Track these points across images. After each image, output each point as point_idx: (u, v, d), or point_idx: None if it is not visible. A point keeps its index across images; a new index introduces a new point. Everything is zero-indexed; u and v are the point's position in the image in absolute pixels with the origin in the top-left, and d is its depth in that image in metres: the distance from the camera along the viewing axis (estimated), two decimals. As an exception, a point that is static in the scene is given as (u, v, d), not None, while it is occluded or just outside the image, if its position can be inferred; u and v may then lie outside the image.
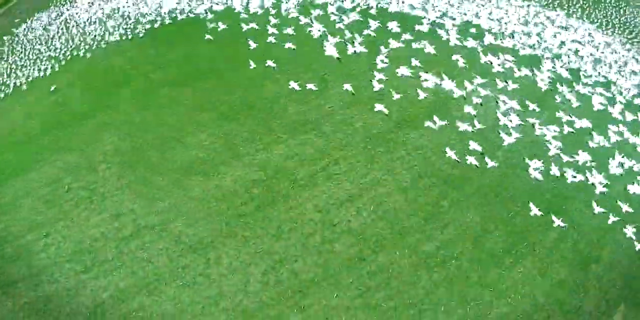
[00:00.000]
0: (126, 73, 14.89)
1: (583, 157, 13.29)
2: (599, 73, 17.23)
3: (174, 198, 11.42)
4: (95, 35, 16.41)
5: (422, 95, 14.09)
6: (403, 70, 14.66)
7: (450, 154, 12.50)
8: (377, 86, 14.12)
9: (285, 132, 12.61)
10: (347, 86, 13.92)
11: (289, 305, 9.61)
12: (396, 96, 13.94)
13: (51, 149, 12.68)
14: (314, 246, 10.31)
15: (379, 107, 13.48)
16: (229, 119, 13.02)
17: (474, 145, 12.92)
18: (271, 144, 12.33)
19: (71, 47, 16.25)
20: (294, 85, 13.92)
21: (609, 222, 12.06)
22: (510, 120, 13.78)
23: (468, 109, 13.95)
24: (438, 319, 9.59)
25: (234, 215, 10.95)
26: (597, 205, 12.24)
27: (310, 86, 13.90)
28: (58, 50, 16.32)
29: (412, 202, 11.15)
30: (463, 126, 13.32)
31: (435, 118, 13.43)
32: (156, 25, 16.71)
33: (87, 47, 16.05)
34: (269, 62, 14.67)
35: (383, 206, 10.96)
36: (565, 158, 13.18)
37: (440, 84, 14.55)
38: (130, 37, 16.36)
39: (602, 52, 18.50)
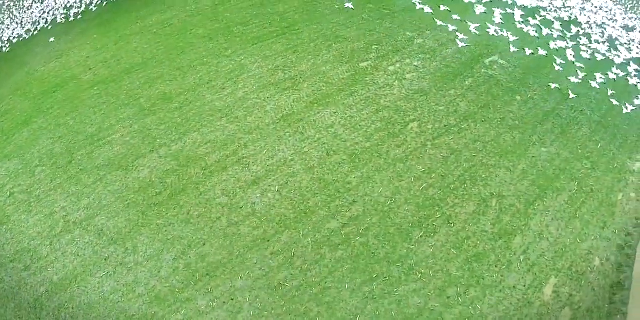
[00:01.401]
0: (61, 77, 15.42)
1: None
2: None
3: (98, 193, 11.95)
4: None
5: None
6: None
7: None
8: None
9: (200, 120, 12.78)
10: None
11: (198, 288, 9.99)
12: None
13: (-5, 159, 13.54)
14: (221, 229, 10.57)
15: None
16: (149, 113, 13.31)
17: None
18: (186, 133, 12.55)
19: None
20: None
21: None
22: None
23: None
24: (342, 296, 9.55)
25: (149, 205, 11.36)
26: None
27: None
28: None
29: (318, 181, 11.11)
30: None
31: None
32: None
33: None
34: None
35: (288, 186, 10.99)
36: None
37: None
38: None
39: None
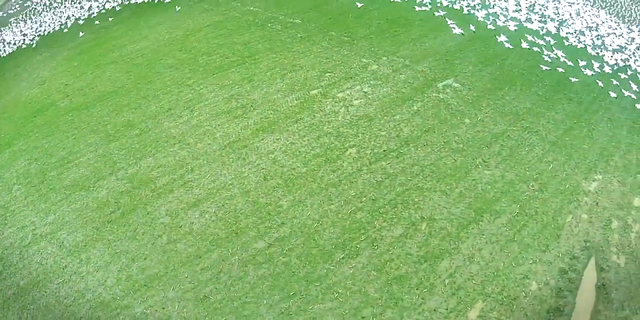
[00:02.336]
0: (42, 102, 17.21)
1: None
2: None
3: (62, 211, 13.52)
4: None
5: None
6: None
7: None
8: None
9: (156, 146, 14.29)
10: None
11: (136, 297, 11.35)
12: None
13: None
14: (161, 246, 11.97)
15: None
16: (113, 139, 14.90)
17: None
18: (142, 158, 14.06)
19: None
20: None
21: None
22: None
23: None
24: (259, 311, 10.41)
25: (103, 222, 12.85)
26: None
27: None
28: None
29: (253, 204, 12.42)
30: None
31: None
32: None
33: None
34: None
35: (224, 208, 12.34)
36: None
37: None
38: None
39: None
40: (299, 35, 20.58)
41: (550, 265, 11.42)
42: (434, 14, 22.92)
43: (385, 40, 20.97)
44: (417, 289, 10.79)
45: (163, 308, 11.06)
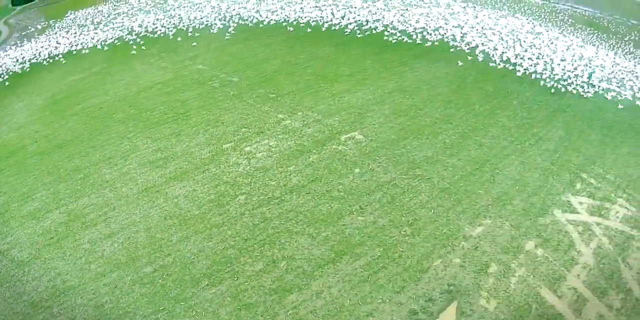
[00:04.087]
0: (15, 145, 22.11)
1: None
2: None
3: (17, 234, 17.48)
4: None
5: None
6: None
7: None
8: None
9: (92, 188, 18.89)
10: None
11: (55, 301, 15.53)
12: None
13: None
14: (79, 265, 16.06)
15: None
16: (62, 181, 19.60)
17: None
18: (80, 197, 18.49)
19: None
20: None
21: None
22: None
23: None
24: (136, 318, 13.61)
25: (44, 244, 17.03)
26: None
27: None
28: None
29: (151, 238, 16.62)
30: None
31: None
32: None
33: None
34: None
35: (130, 240, 16.68)
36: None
37: None
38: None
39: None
40: (232, 93, 25.19)
41: (400, 305, 11.93)
42: (364, 69, 26.30)
43: (307, 96, 24.68)
44: (261, 316, 12.74)
45: (72, 310, 15.14)
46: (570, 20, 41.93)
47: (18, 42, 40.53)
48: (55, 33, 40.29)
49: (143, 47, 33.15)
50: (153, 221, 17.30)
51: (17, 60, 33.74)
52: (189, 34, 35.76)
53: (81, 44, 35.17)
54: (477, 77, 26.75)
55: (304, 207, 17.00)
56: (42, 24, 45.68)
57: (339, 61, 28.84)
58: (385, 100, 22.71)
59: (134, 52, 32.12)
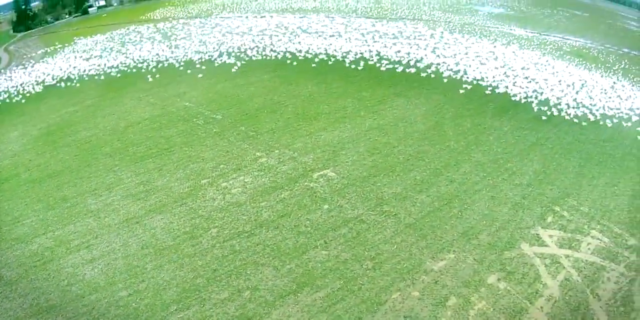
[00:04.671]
0: (9, 173, 24.22)
1: None
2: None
3: (6, 255, 18.93)
4: None
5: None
6: None
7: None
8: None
9: (77, 217, 21.10)
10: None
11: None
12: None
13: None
14: (62, 286, 18.08)
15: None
16: (50, 208, 21.73)
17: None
18: (66, 225, 20.66)
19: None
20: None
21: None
22: None
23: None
24: None
25: (30, 266, 18.90)
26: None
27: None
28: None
29: (128, 265, 18.69)
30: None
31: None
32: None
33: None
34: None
35: (109, 266, 18.72)
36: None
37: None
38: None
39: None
40: (214, 130, 27.86)
41: (356, 336, 12.12)
42: (344, 108, 27.77)
43: (285, 134, 26.70)
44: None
45: (48, 328, 16.78)
46: (558, 52, 42.80)
47: (17, 69, 43.09)
48: (55, 63, 43.02)
49: (136, 82, 36.07)
50: (131, 250, 19.52)
51: (16, 88, 36.15)
52: (188, 71, 38.07)
53: (77, 74, 37.88)
54: (456, 112, 27.52)
55: (272, 240, 18.71)
56: (40, 52, 48.51)
57: (320, 99, 30.53)
58: (361, 138, 24.08)
59: (126, 85, 34.96)
